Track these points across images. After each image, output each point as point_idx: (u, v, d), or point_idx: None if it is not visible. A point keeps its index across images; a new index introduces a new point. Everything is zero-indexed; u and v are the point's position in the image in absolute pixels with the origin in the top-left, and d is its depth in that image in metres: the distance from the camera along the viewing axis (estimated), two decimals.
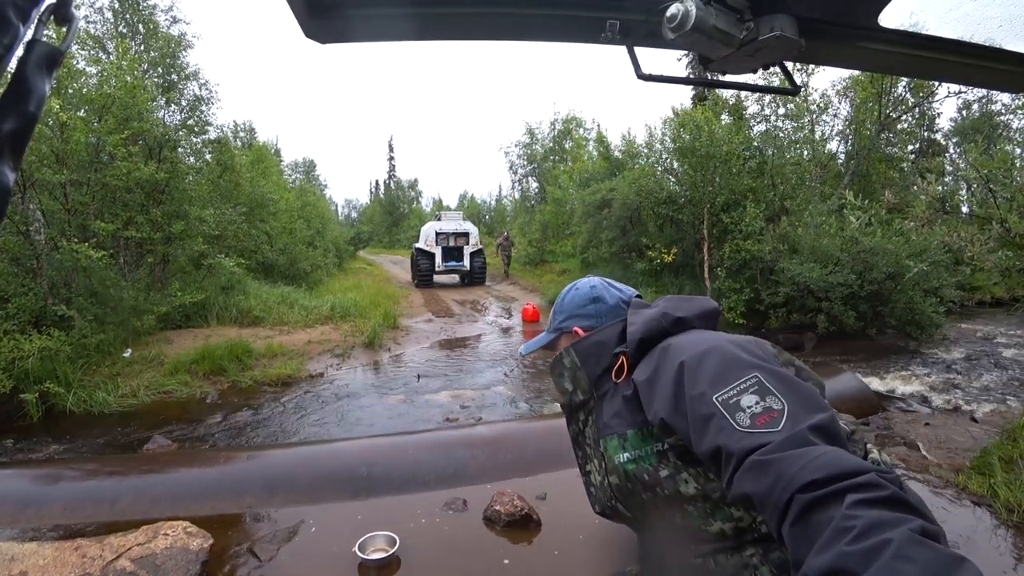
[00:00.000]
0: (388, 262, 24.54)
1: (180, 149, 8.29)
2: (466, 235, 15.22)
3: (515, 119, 76.62)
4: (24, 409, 4.60)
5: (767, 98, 12.86)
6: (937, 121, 16.48)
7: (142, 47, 10.44)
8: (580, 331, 1.09)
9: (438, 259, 14.84)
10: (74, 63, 6.98)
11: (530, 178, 25.92)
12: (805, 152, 13.07)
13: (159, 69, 10.00)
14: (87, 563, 1.99)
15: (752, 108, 13.76)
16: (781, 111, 13.36)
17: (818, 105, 13.57)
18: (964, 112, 17.91)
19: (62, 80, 6.06)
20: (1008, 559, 2.16)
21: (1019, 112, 13.65)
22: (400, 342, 7.93)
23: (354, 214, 56.48)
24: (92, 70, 7.63)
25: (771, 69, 0.93)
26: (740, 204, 9.13)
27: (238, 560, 2.20)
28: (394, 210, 43.68)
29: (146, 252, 7.17)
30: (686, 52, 6.50)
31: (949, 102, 17.50)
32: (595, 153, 18.92)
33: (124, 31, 10.63)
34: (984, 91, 13.33)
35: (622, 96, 73.15)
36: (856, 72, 12.45)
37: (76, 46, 8.47)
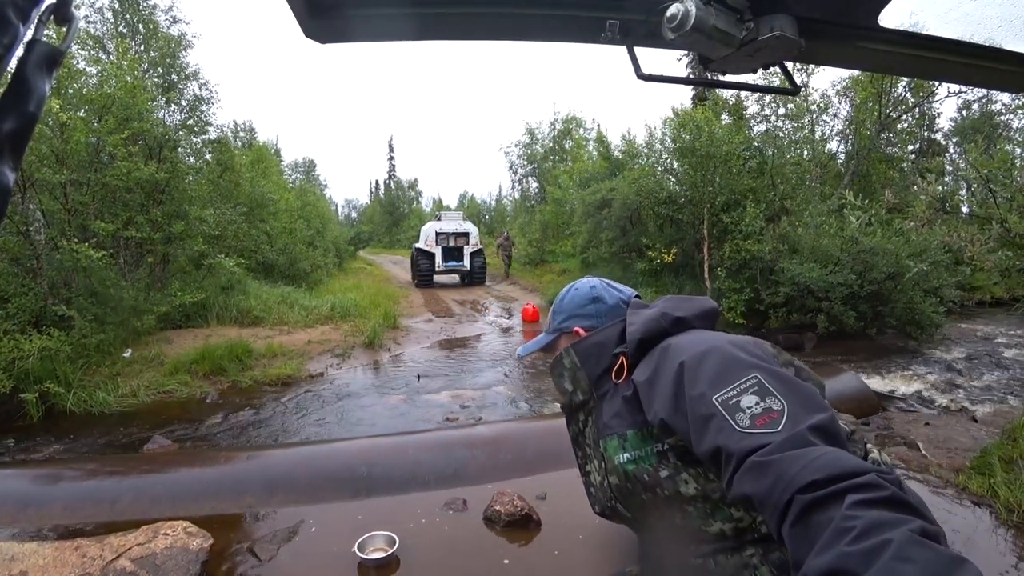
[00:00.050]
0: (388, 262, 24.54)
1: (180, 149, 8.29)
2: (466, 235, 15.22)
3: (515, 119, 76.68)
4: (24, 409, 4.60)
5: (767, 98, 12.86)
6: (937, 121, 16.50)
7: (142, 47, 10.44)
8: (581, 331, 1.09)
9: (438, 259, 14.84)
10: (74, 63, 6.98)
11: (530, 178, 25.94)
12: (805, 152, 13.07)
13: (159, 69, 9.99)
14: (87, 563, 1.99)
15: (752, 108, 13.78)
16: (781, 111, 13.36)
17: (818, 105, 13.57)
18: (964, 112, 17.93)
19: (62, 80, 6.06)
20: (1008, 559, 2.16)
21: (1019, 112, 13.66)
22: (400, 342, 7.93)
23: (354, 214, 56.49)
24: (92, 70, 7.63)
25: (771, 69, 0.93)
26: (740, 204, 9.13)
27: (238, 560, 2.20)
28: (394, 210, 43.68)
29: (146, 252, 7.17)
30: (686, 52, 6.50)
31: (949, 102, 17.53)
32: (595, 153, 18.92)
33: (124, 31, 10.63)
34: (984, 91, 13.33)
35: (622, 96, 73.21)
36: (856, 72, 12.45)
37: (76, 46, 8.47)
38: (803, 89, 13.03)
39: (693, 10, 0.73)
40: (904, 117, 14.37)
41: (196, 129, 9.16)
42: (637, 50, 0.87)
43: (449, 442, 3.20)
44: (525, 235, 19.05)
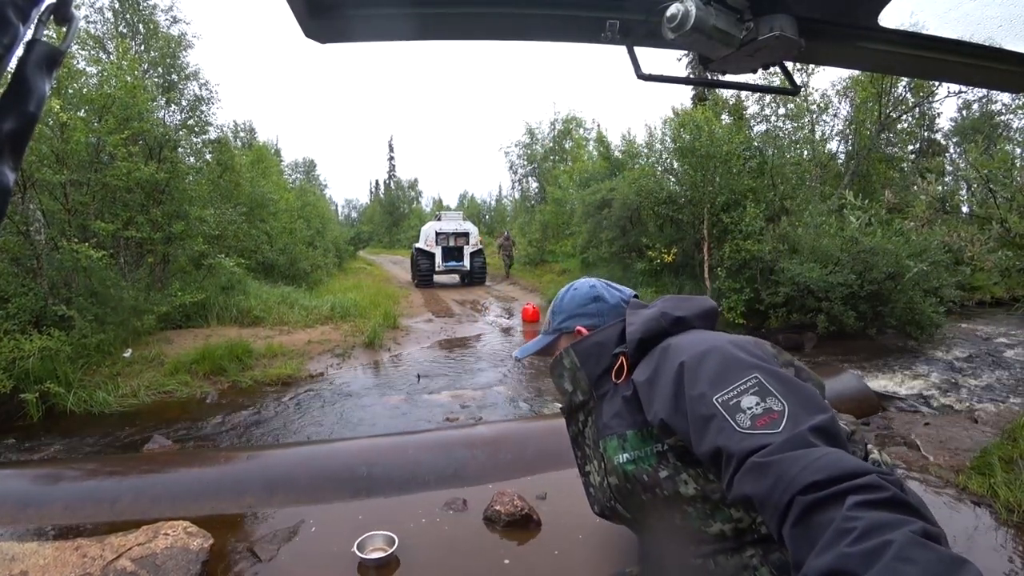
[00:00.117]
0: (388, 262, 24.54)
1: (180, 149, 8.29)
2: (466, 235, 15.22)
3: (515, 119, 76.69)
4: (24, 409, 4.60)
5: (767, 98, 12.86)
6: (937, 121, 16.49)
7: (142, 47, 10.45)
8: (583, 330, 1.08)
9: (438, 259, 14.84)
10: (74, 63, 6.97)
11: (530, 178, 25.94)
12: (805, 152, 13.07)
13: (159, 69, 10.00)
14: (87, 563, 1.99)
15: (752, 108, 13.77)
16: (781, 111, 13.36)
17: (818, 105, 13.57)
18: (964, 112, 17.92)
19: (62, 80, 6.06)
20: (1008, 559, 2.16)
21: (1019, 112, 13.65)
22: (400, 342, 7.93)
23: (354, 214, 56.49)
24: (92, 70, 7.63)
25: (771, 69, 0.93)
26: (740, 204, 9.13)
27: (238, 560, 2.20)
28: (394, 210, 43.68)
29: (146, 252, 7.17)
30: (686, 52, 6.50)
31: (949, 102, 17.52)
32: (595, 153, 18.93)
33: (124, 31, 10.63)
34: (984, 91, 13.33)
35: (622, 96, 73.22)
36: (856, 72, 12.45)
37: (76, 46, 8.47)
38: (803, 89, 13.03)
39: (693, 10, 0.73)
40: (904, 117, 14.37)
41: (196, 129, 9.16)
42: (637, 50, 0.87)
43: (449, 442, 3.20)
44: (525, 235, 19.05)
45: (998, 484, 2.57)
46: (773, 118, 13.57)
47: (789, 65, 0.96)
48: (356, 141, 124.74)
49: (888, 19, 0.82)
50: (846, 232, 7.95)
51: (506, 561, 2.15)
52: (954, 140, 17.63)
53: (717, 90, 13.71)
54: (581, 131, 23.35)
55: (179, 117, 9.28)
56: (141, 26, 10.68)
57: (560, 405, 1.15)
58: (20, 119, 0.41)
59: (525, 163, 25.59)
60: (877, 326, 7.84)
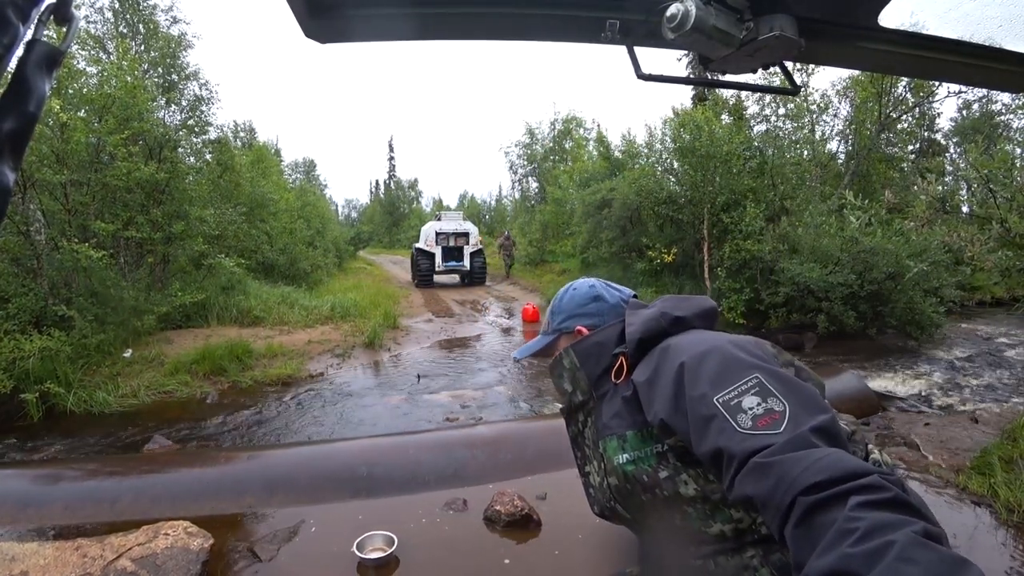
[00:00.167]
0: (388, 262, 24.54)
1: (180, 149, 8.29)
2: (466, 235, 15.22)
3: (515, 119, 76.69)
4: (24, 409, 4.60)
5: (767, 98, 12.87)
6: (937, 121, 16.50)
7: (142, 47, 10.45)
8: (584, 330, 1.08)
9: (438, 259, 14.84)
10: (74, 63, 6.98)
11: (530, 178, 25.94)
12: (805, 152, 13.07)
13: (159, 69, 10.00)
14: (88, 563, 1.99)
15: (752, 108, 13.79)
16: (781, 111, 13.37)
17: (818, 105, 13.58)
18: (964, 112, 17.92)
19: (62, 80, 6.06)
20: (1008, 559, 2.16)
21: (1019, 112, 13.65)
22: (400, 342, 7.93)
23: (354, 214, 56.49)
24: (92, 70, 7.63)
25: (771, 69, 0.93)
26: (740, 204, 9.13)
27: (238, 560, 2.20)
28: (394, 210, 43.68)
29: (146, 252, 7.17)
30: (686, 52, 6.50)
31: (949, 102, 17.51)
32: (595, 153, 18.93)
33: (124, 31, 10.63)
34: (984, 91, 13.34)
35: (622, 96, 73.17)
36: (856, 72, 12.45)
37: (76, 46, 8.47)
38: (803, 89, 13.04)
39: (693, 10, 0.73)
40: (904, 117, 14.37)
41: (196, 129, 9.16)
42: (637, 50, 0.87)
43: (449, 442, 3.20)
44: (525, 235, 19.05)
45: (998, 484, 2.57)
46: (773, 118, 13.59)
47: (789, 65, 0.96)
48: (356, 141, 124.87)
49: (888, 19, 0.82)
50: (846, 232, 7.95)
51: (506, 561, 2.15)
52: (954, 140, 17.64)
53: (717, 90, 13.72)
54: (581, 131, 23.36)
55: (179, 117, 9.29)
56: (141, 26, 10.68)
57: (560, 405, 1.15)
58: (20, 119, 0.41)
59: (525, 163, 25.60)
60: (877, 326, 7.84)
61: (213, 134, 9.70)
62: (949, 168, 15.77)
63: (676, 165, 10.63)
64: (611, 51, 0.88)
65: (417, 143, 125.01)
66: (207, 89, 9.58)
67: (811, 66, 11.92)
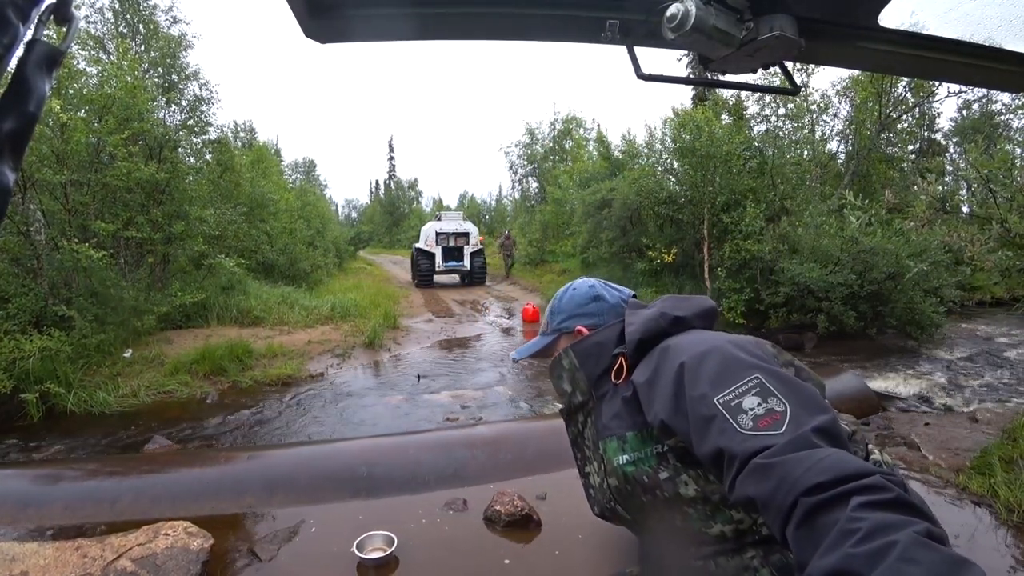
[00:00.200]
0: (388, 262, 24.54)
1: (180, 149, 8.29)
2: (466, 235, 15.22)
3: (515, 119, 76.72)
4: (24, 409, 4.60)
5: (767, 98, 12.87)
6: (937, 121, 16.51)
7: (142, 47, 10.45)
8: (584, 330, 1.08)
9: (438, 259, 14.84)
10: (74, 63, 6.97)
11: (530, 178, 25.95)
12: (805, 152, 13.07)
13: (159, 69, 10.00)
14: (88, 563, 1.99)
15: (752, 108, 13.79)
16: (781, 111, 13.37)
17: (818, 105, 13.58)
18: (964, 112, 17.93)
19: (62, 80, 6.06)
20: (1008, 559, 2.16)
21: (1019, 112, 13.65)
22: (400, 342, 7.93)
23: (354, 214, 56.51)
24: (92, 70, 7.63)
25: (771, 69, 0.93)
26: (740, 204, 9.13)
27: (238, 560, 2.20)
28: (394, 210, 43.69)
29: (146, 252, 7.17)
30: (686, 52, 6.50)
31: (949, 102, 17.53)
32: (595, 153, 18.94)
33: (124, 31, 10.64)
34: (984, 91, 13.34)
35: (622, 96, 73.19)
36: (856, 72, 12.45)
37: (76, 46, 8.47)
38: (803, 89, 13.04)
39: (693, 10, 0.73)
40: (904, 117, 14.37)
41: (196, 129, 9.16)
42: (637, 50, 0.87)
43: (449, 442, 3.20)
44: (525, 235, 19.06)
45: (998, 484, 2.57)
46: (773, 118, 13.59)
47: (789, 65, 0.96)
48: (356, 141, 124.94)
49: (888, 19, 0.82)
50: (846, 232, 7.95)
51: (506, 561, 2.15)
52: (954, 140, 17.64)
53: (717, 90, 13.72)
54: (581, 131, 23.37)
55: (179, 117, 9.29)
56: (141, 26, 10.68)
57: (560, 406, 1.14)
58: (20, 119, 0.41)
59: (525, 163, 25.62)
60: (877, 326, 7.84)
61: (213, 134, 9.71)
62: (949, 168, 15.78)
63: (676, 165, 10.63)
64: (611, 51, 0.88)
65: (417, 143, 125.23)
66: (207, 89, 9.59)
67: (811, 66, 11.92)
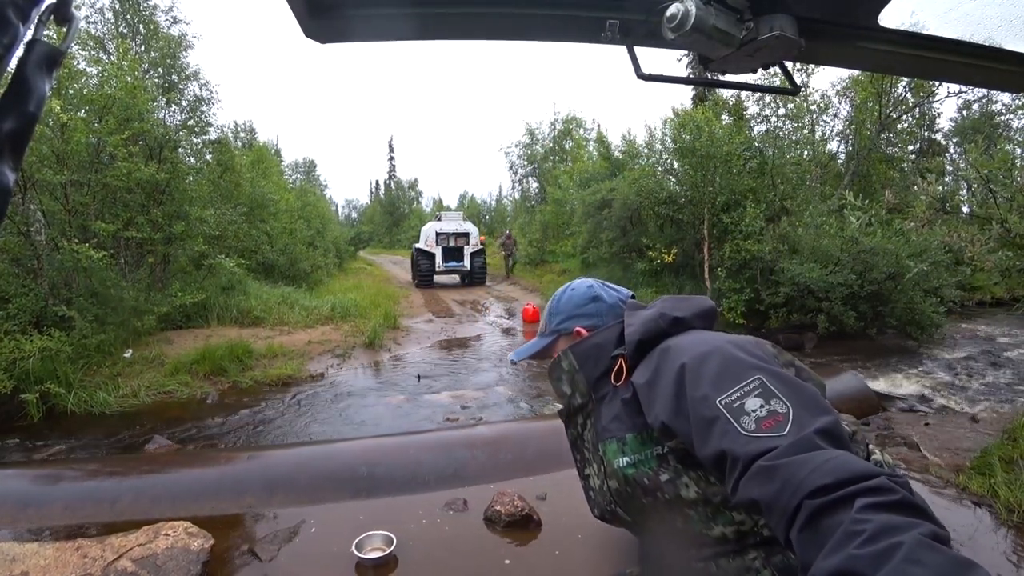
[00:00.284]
0: (388, 262, 24.54)
1: (180, 149, 8.30)
2: (466, 235, 15.22)
3: (515, 119, 76.73)
4: (25, 409, 4.60)
5: (767, 98, 12.87)
6: (937, 121, 16.52)
7: (142, 47, 10.45)
8: (583, 331, 1.07)
9: (438, 259, 14.84)
10: (75, 64, 6.98)
11: (530, 178, 25.97)
12: (805, 152, 13.08)
13: (159, 69, 10.00)
14: (88, 563, 1.99)
15: (752, 108, 13.79)
16: (781, 111, 13.37)
17: (818, 105, 13.59)
18: (964, 112, 17.92)
19: (63, 81, 6.06)
20: (1008, 559, 2.16)
21: (1019, 112, 13.65)
22: (400, 342, 7.93)
23: (354, 214, 56.52)
24: (93, 70, 7.63)
25: (771, 69, 0.93)
26: (740, 204, 9.13)
27: (239, 560, 2.20)
28: (394, 210, 43.70)
29: (146, 252, 7.17)
30: (686, 52, 6.50)
31: (949, 102, 17.49)
32: (595, 153, 18.94)
33: (124, 31, 10.64)
34: (984, 91, 13.34)
35: (622, 96, 73.13)
36: (856, 72, 12.45)
37: (76, 46, 8.47)
38: (803, 89, 13.04)
39: (693, 10, 0.73)
40: (904, 117, 14.38)
41: (196, 129, 9.16)
42: (637, 50, 0.87)
43: (449, 442, 3.19)
44: (525, 235, 19.06)
45: (998, 484, 2.56)
46: (773, 118, 13.59)
47: (789, 65, 0.96)
48: (356, 141, 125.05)
49: (888, 19, 0.82)
50: (846, 232, 7.95)
51: (506, 561, 2.15)
52: (954, 140, 17.64)
53: (717, 90, 13.72)
54: (581, 131, 23.38)
55: (179, 117, 9.29)
56: (141, 26, 10.68)
57: (560, 406, 1.14)
58: (20, 119, 0.41)
59: (525, 163, 25.63)
60: (877, 326, 7.84)
61: (213, 134, 9.71)
62: (949, 168, 15.79)
63: (676, 165, 10.63)
64: (611, 51, 0.88)
65: (417, 143, 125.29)
66: (207, 89, 9.59)
67: (811, 66, 11.92)
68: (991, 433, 3.67)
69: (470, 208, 34.65)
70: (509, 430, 3.50)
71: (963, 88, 12.06)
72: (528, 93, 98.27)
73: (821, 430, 0.67)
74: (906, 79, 12.11)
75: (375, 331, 7.58)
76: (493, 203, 38.96)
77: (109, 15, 10.62)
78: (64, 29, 0.45)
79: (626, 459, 0.92)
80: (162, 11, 10.92)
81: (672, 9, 0.74)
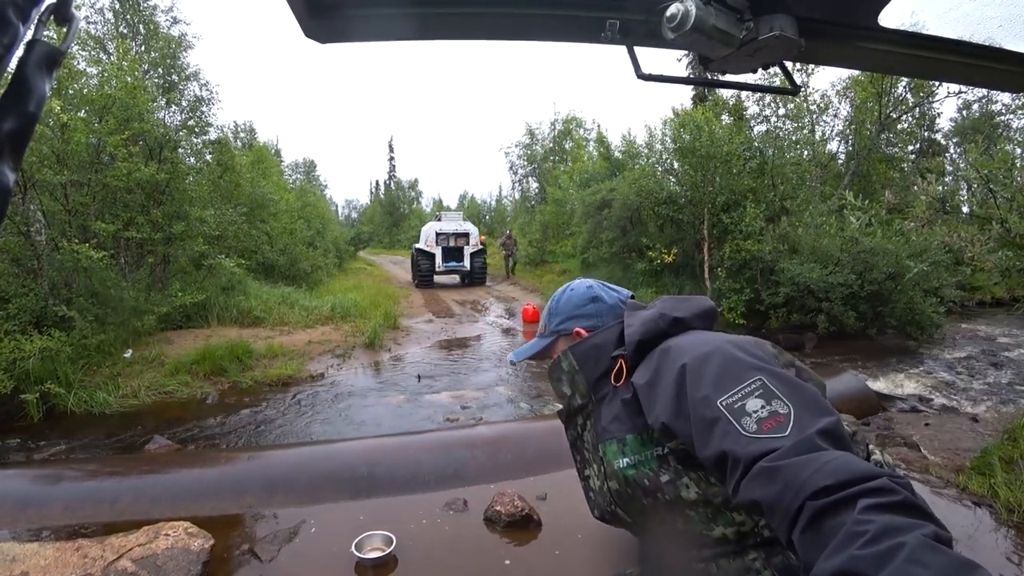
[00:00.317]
0: (388, 262, 24.54)
1: (180, 150, 8.30)
2: (466, 235, 15.22)
3: (515, 119, 76.72)
4: (25, 409, 4.60)
5: (767, 98, 12.87)
6: (937, 121, 16.52)
7: (142, 48, 10.45)
8: (583, 331, 1.07)
9: (438, 259, 14.84)
10: (75, 64, 6.98)
11: (530, 178, 25.96)
12: (805, 152, 13.07)
13: (159, 70, 10.00)
14: (88, 563, 1.99)
15: (752, 109, 13.79)
16: (781, 111, 13.37)
17: (818, 105, 13.58)
18: (964, 112, 17.92)
19: (63, 81, 6.06)
20: (1009, 560, 2.16)
21: (1019, 112, 13.65)
22: (400, 342, 7.93)
23: (354, 214, 56.53)
24: (93, 71, 7.64)
25: (771, 69, 0.93)
26: (740, 204, 9.13)
27: (239, 560, 2.20)
28: (394, 210, 43.70)
29: (147, 252, 7.17)
30: (686, 52, 6.49)
31: (949, 102, 17.50)
32: (595, 153, 18.94)
33: (125, 32, 10.64)
34: (984, 91, 13.34)
35: (622, 96, 73.17)
36: (856, 72, 12.45)
37: (76, 47, 8.48)
38: (803, 89, 13.04)
39: (693, 10, 0.73)
40: (904, 117, 14.37)
41: (196, 130, 9.16)
42: (637, 50, 0.87)
43: (450, 442, 3.19)
44: (525, 235, 19.06)
45: (998, 484, 2.56)
46: (773, 118, 13.59)
47: (789, 65, 0.96)
48: (356, 141, 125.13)
49: (888, 19, 0.82)
50: (846, 232, 7.95)
51: (506, 561, 2.15)
52: (954, 140, 17.64)
53: (717, 90, 13.72)
54: (581, 131, 23.37)
55: (179, 118, 9.28)
56: (141, 27, 10.69)
57: (560, 406, 1.14)
58: (20, 119, 0.41)
59: (525, 163, 25.62)
60: (877, 326, 7.84)
61: (213, 135, 9.71)
62: (949, 168, 15.79)
63: (676, 165, 10.63)
64: (611, 51, 0.88)
65: (417, 143, 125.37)
66: (207, 90, 9.58)
67: (811, 66, 11.92)
68: (991, 433, 3.67)
69: (470, 208, 34.65)
70: (509, 430, 3.50)
71: (963, 88, 12.07)
72: (528, 93, 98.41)
73: (822, 431, 0.66)
74: (906, 79, 12.12)
75: (375, 331, 7.58)
76: (493, 203, 38.97)
77: (109, 15, 10.64)
78: (64, 29, 0.45)
79: (626, 460, 0.92)
80: (162, 11, 10.95)
81: (672, 9, 0.74)
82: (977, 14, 0.85)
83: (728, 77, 0.94)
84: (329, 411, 5.02)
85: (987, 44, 0.91)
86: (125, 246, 6.98)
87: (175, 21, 10.94)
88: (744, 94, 13.33)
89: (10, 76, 0.42)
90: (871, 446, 0.95)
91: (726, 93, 14.02)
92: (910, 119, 14.92)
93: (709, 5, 0.74)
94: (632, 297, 1.12)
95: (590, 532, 2.23)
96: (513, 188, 29.99)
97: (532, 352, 1.15)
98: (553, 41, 0.99)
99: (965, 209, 9.40)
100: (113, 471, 2.98)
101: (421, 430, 4.18)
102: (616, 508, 0.99)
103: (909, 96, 13.45)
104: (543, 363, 1.15)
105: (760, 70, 0.90)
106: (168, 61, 9.98)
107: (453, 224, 15.48)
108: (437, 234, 14.98)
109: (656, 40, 0.84)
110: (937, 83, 11.93)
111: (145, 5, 10.73)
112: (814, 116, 13.65)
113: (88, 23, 10.14)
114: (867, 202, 8.59)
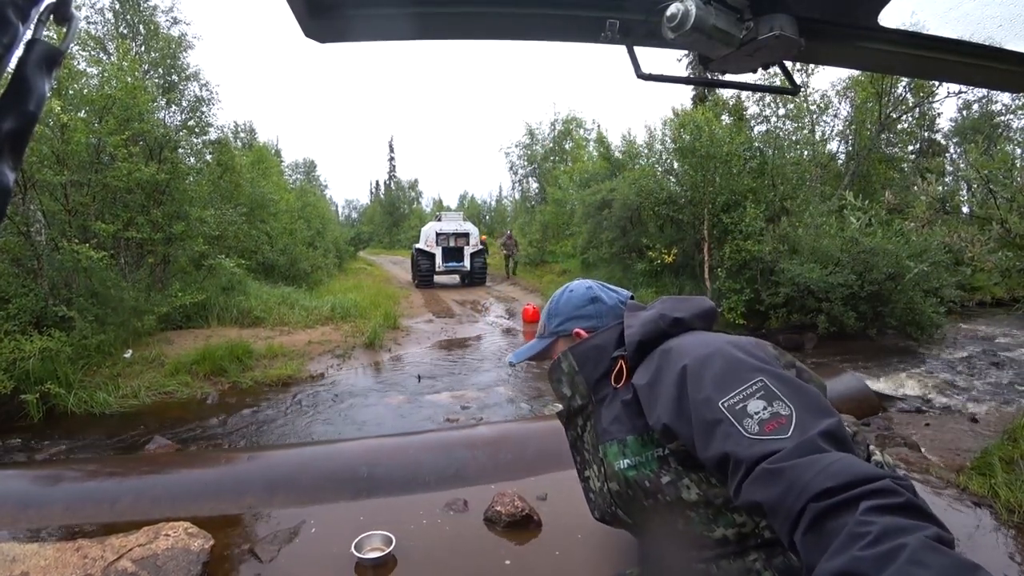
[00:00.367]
0: (388, 262, 24.54)
1: (180, 150, 8.29)
2: (466, 235, 15.22)
3: (515, 119, 76.75)
4: (25, 410, 4.60)
5: (767, 98, 12.87)
6: (937, 121, 16.49)
7: (143, 48, 10.45)
8: (583, 332, 1.07)
9: (438, 259, 14.84)
10: (75, 64, 6.98)
11: (530, 178, 25.97)
12: (805, 152, 13.07)
13: (160, 70, 10.00)
14: (88, 564, 1.99)
15: (752, 109, 13.79)
16: (781, 111, 13.37)
17: (818, 105, 13.58)
18: (964, 112, 17.90)
19: (63, 81, 6.06)
20: (1009, 560, 2.16)
21: (1019, 112, 13.66)
22: (401, 342, 7.93)
23: (354, 214, 56.51)
24: (93, 71, 7.64)
25: (771, 69, 0.93)
26: (740, 204, 9.13)
27: (239, 561, 2.20)
28: (394, 210, 43.69)
29: (147, 253, 7.17)
30: (686, 52, 6.49)
31: (949, 102, 17.47)
32: (595, 153, 18.93)
33: (125, 32, 10.64)
34: (984, 91, 13.34)
35: (622, 96, 73.12)
36: (856, 72, 12.45)
37: (76, 47, 8.48)
38: (803, 89, 13.04)
39: (693, 10, 0.73)
40: (904, 117, 14.38)
41: (196, 130, 9.16)
42: (637, 50, 0.87)
43: (450, 443, 3.19)
44: (525, 235, 19.06)
45: (999, 484, 2.56)
46: (773, 119, 13.58)
47: (789, 65, 0.96)
48: (356, 141, 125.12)
49: (888, 19, 0.82)
50: (846, 232, 7.95)
51: (507, 562, 2.15)
52: (954, 140, 17.63)
53: (717, 90, 13.72)
54: (581, 131, 23.38)
55: (179, 118, 9.28)
56: (141, 27, 10.69)
57: (560, 406, 1.14)
58: (20, 119, 0.41)
59: (525, 163, 25.62)
60: (877, 326, 7.84)
61: (213, 135, 9.71)
62: (949, 168, 15.79)
63: (676, 165, 10.63)
64: (611, 51, 0.88)
65: (417, 143, 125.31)
66: (207, 90, 9.59)
67: (811, 66, 11.92)
68: (991, 433, 3.67)
69: (470, 208, 34.65)
70: (509, 430, 3.50)
71: (963, 88, 12.08)
72: (528, 93, 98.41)
73: (824, 432, 0.66)
74: (906, 79, 12.12)
75: (375, 331, 7.58)
76: (493, 203, 38.96)
77: (109, 15, 10.64)
78: (64, 29, 0.45)
79: (627, 461, 0.92)
80: (162, 11, 10.95)
81: (672, 9, 0.74)
82: (977, 14, 0.85)
83: (728, 77, 0.94)
84: (329, 411, 5.02)
85: (987, 44, 0.91)
86: (125, 246, 6.98)
87: (175, 21, 10.96)
88: (744, 94, 13.34)
89: (10, 76, 0.42)
90: (872, 447, 0.95)
91: (726, 93, 14.04)
92: (910, 119, 14.92)
93: (709, 5, 0.74)
94: (632, 298, 1.12)
95: (590, 532, 2.23)
96: (513, 188, 30.04)
97: (531, 353, 1.15)
98: (553, 41, 0.99)
99: (965, 209, 9.40)
100: (113, 471, 2.98)
101: (421, 430, 4.17)
102: (616, 509, 0.99)
103: (909, 96, 13.46)
104: (543, 364, 1.14)
105: (760, 70, 0.90)
106: (168, 61, 9.98)
107: (453, 224, 15.48)
108: (437, 234, 14.98)
109: (656, 40, 0.84)
110: (937, 83, 11.94)
111: (145, 5, 10.73)
112: (814, 116, 13.65)
113: (88, 23, 10.15)
114: (867, 202, 8.59)
